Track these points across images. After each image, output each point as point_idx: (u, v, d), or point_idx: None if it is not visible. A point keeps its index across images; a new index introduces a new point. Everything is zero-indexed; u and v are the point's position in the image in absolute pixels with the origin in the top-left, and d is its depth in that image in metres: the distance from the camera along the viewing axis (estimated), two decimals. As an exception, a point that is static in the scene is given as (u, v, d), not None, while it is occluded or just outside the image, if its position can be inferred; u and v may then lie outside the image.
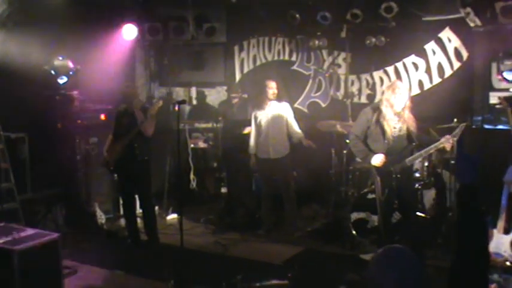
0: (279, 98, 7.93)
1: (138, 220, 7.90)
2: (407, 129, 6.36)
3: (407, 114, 6.34)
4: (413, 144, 6.45)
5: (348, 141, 6.65)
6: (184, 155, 9.08)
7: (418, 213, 6.90)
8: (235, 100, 8.91)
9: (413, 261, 2.51)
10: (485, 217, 2.70)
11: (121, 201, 8.30)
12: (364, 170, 7.71)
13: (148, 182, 7.66)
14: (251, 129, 8.18)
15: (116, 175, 8.04)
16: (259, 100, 7.99)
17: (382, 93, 8.53)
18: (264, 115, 7.91)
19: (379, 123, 6.33)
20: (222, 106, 9.58)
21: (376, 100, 8.63)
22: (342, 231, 7.46)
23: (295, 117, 8.03)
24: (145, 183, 7.62)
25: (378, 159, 6.28)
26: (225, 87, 10.14)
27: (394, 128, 6.31)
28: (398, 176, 6.33)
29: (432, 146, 6.28)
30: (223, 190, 9.24)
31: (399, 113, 6.31)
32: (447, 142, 6.21)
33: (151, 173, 7.65)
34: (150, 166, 7.61)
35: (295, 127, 7.94)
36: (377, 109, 6.39)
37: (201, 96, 10.39)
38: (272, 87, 7.84)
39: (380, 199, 6.60)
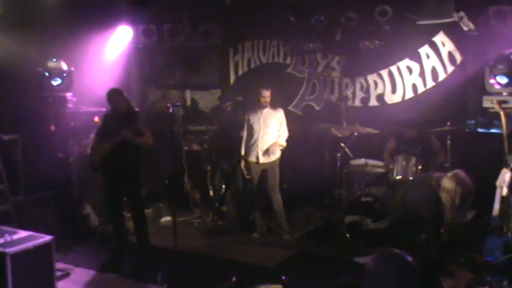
0: (273, 104, 7.91)
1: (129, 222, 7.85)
2: None
3: None
4: None
5: None
6: (178, 158, 9.05)
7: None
8: (228, 108, 8.91)
9: (409, 267, 2.47)
10: None
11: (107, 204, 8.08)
12: (357, 174, 7.73)
13: (137, 184, 7.50)
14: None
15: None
16: (254, 104, 7.98)
17: (376, 97, 8.61)
18: (256, 119, 7.90)
19: None
20: (213, 111, 9.54)
21: (370, 104, 8.68)
22: (335, 233, 7.47)
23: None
24: (133, 185, 7.45)
25: None
26: (219, 90, 10.13)
27: None
28: None
29: None
30: (217, 192, 9.22)
31: None
32: None
33: (140, 175, 7.53)
34: (138, 171, 7.47)
35: (283, 136, 7.90)
36: None
37: (194, 100, 10.39)
38: (265, 96, 7.84)
39: None
